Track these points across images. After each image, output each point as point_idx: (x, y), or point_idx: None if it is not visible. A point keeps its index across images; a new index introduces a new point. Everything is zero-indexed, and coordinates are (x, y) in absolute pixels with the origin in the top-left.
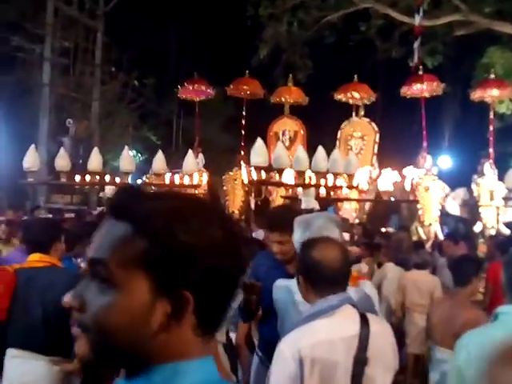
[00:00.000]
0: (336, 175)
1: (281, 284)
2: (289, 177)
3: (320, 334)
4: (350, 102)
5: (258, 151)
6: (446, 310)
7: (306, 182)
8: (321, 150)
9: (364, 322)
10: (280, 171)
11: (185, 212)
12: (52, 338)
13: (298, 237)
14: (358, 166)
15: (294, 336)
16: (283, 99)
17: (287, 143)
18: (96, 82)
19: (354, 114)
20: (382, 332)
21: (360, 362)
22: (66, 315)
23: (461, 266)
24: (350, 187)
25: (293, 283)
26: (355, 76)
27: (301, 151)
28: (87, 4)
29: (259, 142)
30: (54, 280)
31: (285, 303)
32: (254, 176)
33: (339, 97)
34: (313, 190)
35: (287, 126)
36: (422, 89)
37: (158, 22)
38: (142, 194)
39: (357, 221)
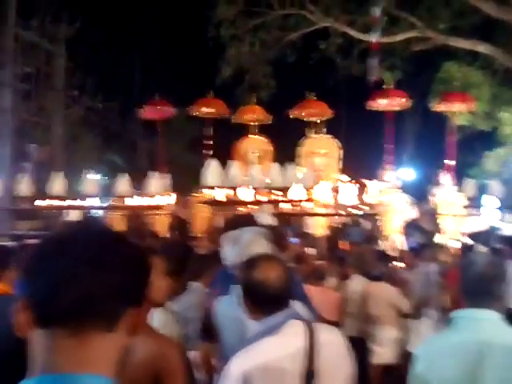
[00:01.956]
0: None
1: (223, 300)
2: (247, 194)
3: (267, 354)
4: (305, 119)
5: (213, 172)
6: None
7: (263, 198)
8: (275, 166)
9: (310, 334)
10: (235, 190)
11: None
12: (3, 367)
13: (227, 252)
14: (315, 181)
15: (241, 357)
16: (246, 118)
17: (255, 161)
18: (59, 106)
19: (312, 131)
20: (331, 342)
21: (308, 374)
22: (17, 344)
23: None
24: (307, 201)
25: (236, 298)
26: (308, 94)
27: (255, 169)
28: (48, 29)
29: (212, 162)
30: (3, 308)
31: (228, 318)
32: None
33: (295, 115)
34: (268, 206)
35: (255, 144)
36: (388, 103)
37: (121, 44)
38: None
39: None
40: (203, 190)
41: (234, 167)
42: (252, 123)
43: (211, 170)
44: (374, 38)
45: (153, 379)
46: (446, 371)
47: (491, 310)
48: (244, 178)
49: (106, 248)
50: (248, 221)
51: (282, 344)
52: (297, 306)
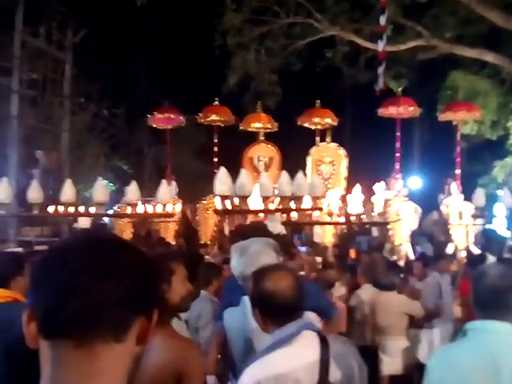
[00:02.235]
0: (300, 199)
1: (232, 311)
2: (257, 203)
3: (280, 365)
4: (313, 127)
5: (222, 180)
6: None
7: (272, 207)
8: (285, 174)
9: (324, 346)
10: (244, 198)
11: None
12: (15, 375)
13: (235, 262)
14: (323, 189)
15: (255, 368)
16: (253, 126)
17: (262, 169)
18: (65, 113)
19: (318, 139)
20: (344, 354)
21: None
22: (27, 352)
23: None
24: (316, 209)
25: (245, 310)
26: (317, 102)
27: (264, 177)
28: (55, 36)
29: (222, 170)
30: (13, 316)
31: (236, 330)
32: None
33: (303, 123)
34: (278, 215)
35: (262, 151)
36: (398, 111)
37: (128, 51)
38: None
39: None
40: (212, 197)
41: (243, 175)
42: (259, 131)
43: (220, 178)
44: (381, 47)
45: (174, 381)
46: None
47: (505, 322)
48: (253, 186)
49: (110, 257)
50: (258, 230)
51: (295, 355)
52: (308, 316)
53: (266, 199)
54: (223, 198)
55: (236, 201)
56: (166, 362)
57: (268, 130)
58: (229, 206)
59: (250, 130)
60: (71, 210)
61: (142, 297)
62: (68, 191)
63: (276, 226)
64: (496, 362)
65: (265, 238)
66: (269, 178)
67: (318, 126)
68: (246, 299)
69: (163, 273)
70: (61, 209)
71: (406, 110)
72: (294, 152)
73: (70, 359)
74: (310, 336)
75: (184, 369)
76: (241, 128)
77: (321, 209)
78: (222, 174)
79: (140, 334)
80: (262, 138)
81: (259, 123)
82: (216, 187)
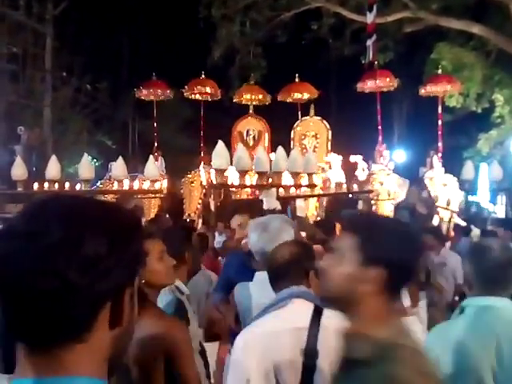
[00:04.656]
0: (297, 175)
1: (241, 287)
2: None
3: (265, 326)
4: (294, 102)
5: (220, 153)
6: None
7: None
8: (280, 150)
9: (316, 315)
10: (242, 173)
11: None
12: (9, 354)
13: (255, 239)
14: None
15: (245, 331)
16: (247, 97)
17: (251, 143)
18: (47, 87)
19: (300, 113)
20: (337, 327)
21: (310, 355)
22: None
23: None
24: (311, 186)
25: (251, 285)
26: (296, 76)
27: (261, 152)
28: (35, 8)
29: (220, 144)
30: None
31: (245, 306)
32: (216, 178)
33: (283, 99)
34: (274, 190)
35: (251, 125)
36: (376, 84)
37: (110, 24)
38: None
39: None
40: (198, 171)
41: (241, 150)
42: (253, 103)
43: (218, 152)
44: (370, 19)
45: (162, 358)
46: (457, 363)
47: (503, 298)
48: (250, 161)
49: (50, 252)
50: (255, 204)
51: (282, 319)
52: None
53: (261, 174)
54: (220, 171)
55: (235, 175)
56: (150, 341)
57: (261, 103)
58: (217, 180)
59: (243, 103)
60: (57, 186)
61: (101, 289)
62: (53, 168)
63: (272, 202)
64: (498, 339)
65: (281, 216)
66: (265, 153)
67: (295, 101)
68: (258, 275)
69: None
70: (46, 186)
71: (383, 82)
72: (280, 126)
73: (30, 365)
74: (302, 304)
75: (171, 347)
76: (234, 101)
77: (315, 185)
78: (220, 148)
79: (111, 319)
80: (251, 111)
81: (253, 96)
82: (213, 161)
